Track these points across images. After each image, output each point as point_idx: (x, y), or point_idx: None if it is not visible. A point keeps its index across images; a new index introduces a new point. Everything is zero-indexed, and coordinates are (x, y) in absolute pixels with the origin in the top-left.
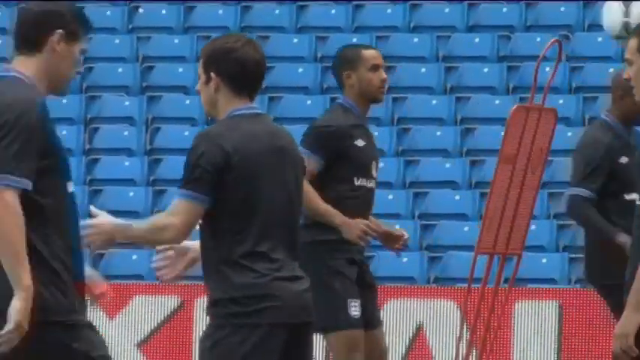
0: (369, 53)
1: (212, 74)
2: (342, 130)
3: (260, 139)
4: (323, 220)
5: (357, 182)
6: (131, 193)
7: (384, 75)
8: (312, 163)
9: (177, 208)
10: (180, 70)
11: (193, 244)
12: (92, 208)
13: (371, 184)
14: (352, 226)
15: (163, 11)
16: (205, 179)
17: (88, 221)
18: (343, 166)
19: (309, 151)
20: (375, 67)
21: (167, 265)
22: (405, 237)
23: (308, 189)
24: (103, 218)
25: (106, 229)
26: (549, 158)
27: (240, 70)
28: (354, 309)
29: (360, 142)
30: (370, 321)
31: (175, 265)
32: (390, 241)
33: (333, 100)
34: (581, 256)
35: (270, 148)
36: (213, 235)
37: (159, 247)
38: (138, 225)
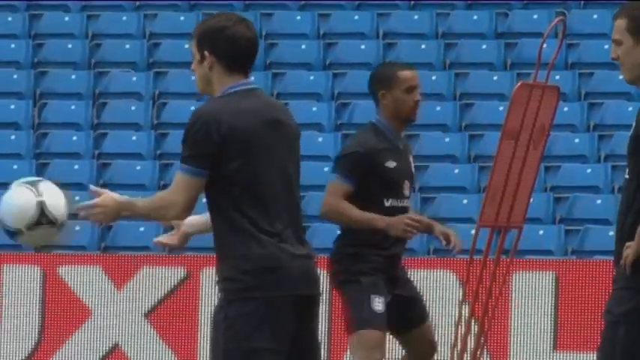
0: (404, 75)
1: (206, 53)
2: (372, 153)
3: (254, 112)
4: (364, 227)
5: (387, 203)
6: (138, 167)
7: (418, 96)
8: (344, 187)
9: (179, 185)
10: (186, 46)
11: (190, 219)
12: (92, 187)
13: (403, 204)
14: (396, 223)
15: None
16: (204, 153)
17: (94, 200)
18: (373, 187)
19: (340, 176)
20: (410, 89)
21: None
22: (452, 244)
23: (340, 203)
24: (107, 196)
25: (111, 205)
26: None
27: (232, 47)
28: (378, 304)
29: (391, 164)
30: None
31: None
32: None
33: (335, 75)
34: (577, 228)
35: (264, 120)
36: (218, 209)
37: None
38: (142, 201)
